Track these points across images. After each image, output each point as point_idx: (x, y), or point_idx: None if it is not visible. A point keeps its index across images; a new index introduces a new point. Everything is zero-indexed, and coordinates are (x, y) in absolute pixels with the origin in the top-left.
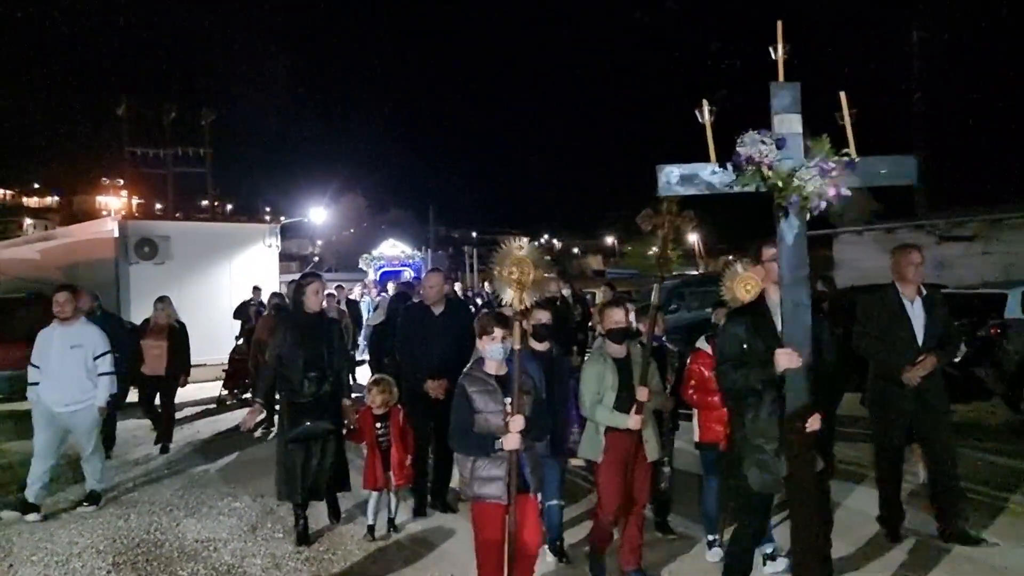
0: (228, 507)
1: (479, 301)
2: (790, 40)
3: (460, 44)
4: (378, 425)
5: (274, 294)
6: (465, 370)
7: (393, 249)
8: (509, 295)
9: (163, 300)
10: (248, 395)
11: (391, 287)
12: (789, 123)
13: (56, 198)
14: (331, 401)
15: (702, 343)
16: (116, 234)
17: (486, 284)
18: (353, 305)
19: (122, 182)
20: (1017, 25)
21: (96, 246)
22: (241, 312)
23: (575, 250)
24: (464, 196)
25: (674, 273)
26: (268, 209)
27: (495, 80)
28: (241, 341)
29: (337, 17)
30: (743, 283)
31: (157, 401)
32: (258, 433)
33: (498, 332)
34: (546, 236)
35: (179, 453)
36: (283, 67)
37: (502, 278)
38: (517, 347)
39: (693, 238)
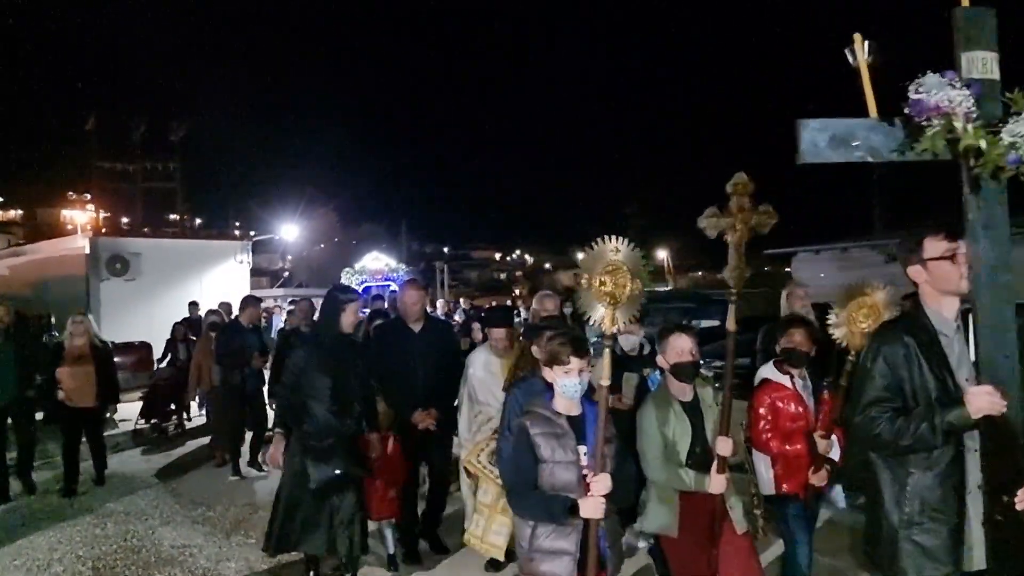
0: (202, 516)
1: (457, 319)
2: None
3: (432, 61)
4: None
5: (211, 311)
6: (526, 405)
7: (376, 262)
8: (600, 313)
9: (81, 316)
10: (169, 424)
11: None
12: (982, 64)
13: (20, 211)
14: (354, 439)
15: (769, 371)
16: (87, 250)
17: (463, 301)
18: None
19: (89, 196)
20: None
21: (66, 262)
22: (173, 333)
23: (547, 265)
24: (436, 211)
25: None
26: (238, 224)
27: (467, 95)
28: (164, 365)
29: (309, 33)
30: (858, 311)
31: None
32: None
33: (575, 363)
34: (518, 251)
35: (151, 466)
36: (254, 82)
37: (590, 290)
38: (605, 383)
39: (662, 255)
